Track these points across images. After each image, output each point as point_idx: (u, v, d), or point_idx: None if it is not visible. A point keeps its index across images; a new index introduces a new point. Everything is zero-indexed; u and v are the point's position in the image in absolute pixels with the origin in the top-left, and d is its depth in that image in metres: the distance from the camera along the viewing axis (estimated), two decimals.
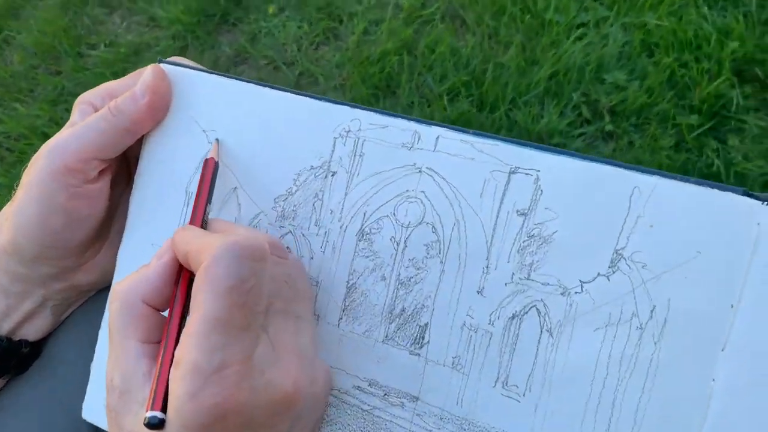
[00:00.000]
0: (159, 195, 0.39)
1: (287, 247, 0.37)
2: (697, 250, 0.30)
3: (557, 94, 1.18)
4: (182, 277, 0.32)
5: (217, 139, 0.38)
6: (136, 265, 0.39)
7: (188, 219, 0.39)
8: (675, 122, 1.10)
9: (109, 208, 0.41)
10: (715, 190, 0.30)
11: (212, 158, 0.36)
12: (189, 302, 0.31)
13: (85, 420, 0.41)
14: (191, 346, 0.28)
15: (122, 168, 0.42)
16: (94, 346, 0.41)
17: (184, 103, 0.39)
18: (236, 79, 0.38)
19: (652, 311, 0.30)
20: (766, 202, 0.29)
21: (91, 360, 0.41)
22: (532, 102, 1.18)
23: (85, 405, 0.41)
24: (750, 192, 0.30)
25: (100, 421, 0.40)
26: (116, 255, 0.41)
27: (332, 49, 1.35)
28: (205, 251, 0.29)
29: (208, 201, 0.35)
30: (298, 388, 0.30)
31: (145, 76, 0.38)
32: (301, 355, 0.31)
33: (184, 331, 0.29)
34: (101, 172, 0.39)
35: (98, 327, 0.42)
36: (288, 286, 0.32)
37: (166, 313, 0.32)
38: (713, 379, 0.29)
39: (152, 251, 0.39)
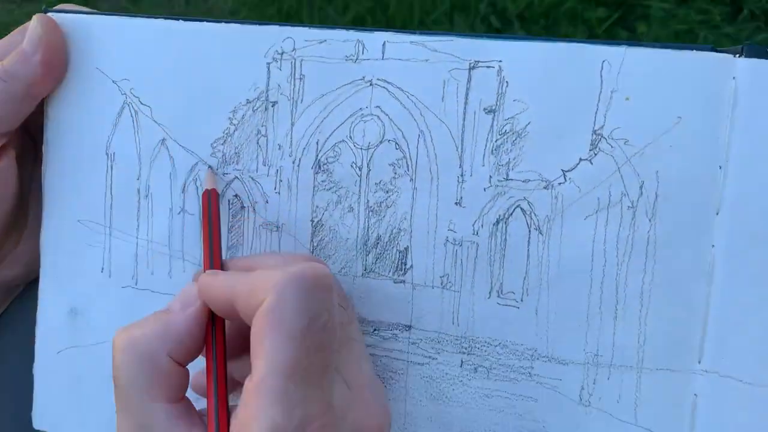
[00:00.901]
0: (76, 164, 0.35)
1: (236, 196, 0.33)
2: (677, 115, 0.28)
3: (464, 8, 1.15)
4: (216, 326, 0.27)
5: (210, 166, 0.33)
6: (63, 247, 0.35)
7: (115, 185, 0.34)
8: (584, 18, 1.10)
9: (20, 190, 0.35)
10: (686, 51, 0.28)
11: (213, 189, 0.31)
12: (224, 353, 0.27)
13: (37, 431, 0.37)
14: (266, 403, 0.23)
15: (26, 143, 0.37)
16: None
17: (85, 54, 0.34)
18: (141, 16, 0.33)
19: (641, 187, 0.29)
20: (738, 55, 0.28)
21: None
22: (441, 20, 1.14)
23: (34, 413, 0.36)
24: (717, 48, 0.29)
25: (55, 427, 0.36)
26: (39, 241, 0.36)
27: None
28: (262, 289, 0.24)
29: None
30: (381, 426, 0.27)
31: (31, 30, 0.33)
32: (372, 386, 0.27)
33: (251, 386, 0.24)
34: (2, 149, 0.34)
35: (31, 323, 0.37)
36: (342, 309, 0.28)
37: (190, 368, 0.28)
38: (713, 245, 0.28)
39: (79, 228, 0.35)
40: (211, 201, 0.31)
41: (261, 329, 0.24)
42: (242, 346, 0.30)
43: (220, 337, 0.28)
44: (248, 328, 0.29)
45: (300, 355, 0.24)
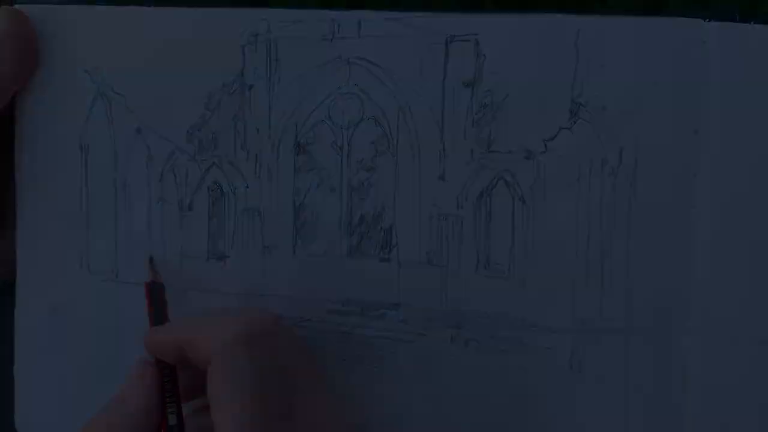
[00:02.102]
0: (49, 157, 0.34)
1: (215, 182, 0.33)
2: (652, 81, 0.29)
3: None
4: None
5: (150, 257, 0.33)
6: (40, 244, 0.34)
7: (90, 177, 0.34)
8: None
9: None
10: (657, 17, 0.29)
11: (151, 281, 0.32)
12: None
13: None
14: None
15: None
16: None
17: (56, 45, 0.33)
18: (112, 4, 0.33)
19: (620, 154, 0.29)
20: (707, 19, 0.29)
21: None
22: None
23: (17, 416, 0.35)
24: (687, 14, 0.29)
25: (39, 430, 0.35)
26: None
27: None
28: (211, 342, 0.26)
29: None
30: None
31: (0, 23, 0.32)
32: (341, 428, 0.28)
33: None
34: None
35: (9, 324, 0.36)
36: (301, 353, 0.29)
37: None
38: (693, 207, 0.29)
39: (57, 224, 0.34)
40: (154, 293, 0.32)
41: (215, 387, 0.26)
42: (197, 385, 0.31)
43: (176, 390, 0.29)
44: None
45: (256, 407, 0.25)
